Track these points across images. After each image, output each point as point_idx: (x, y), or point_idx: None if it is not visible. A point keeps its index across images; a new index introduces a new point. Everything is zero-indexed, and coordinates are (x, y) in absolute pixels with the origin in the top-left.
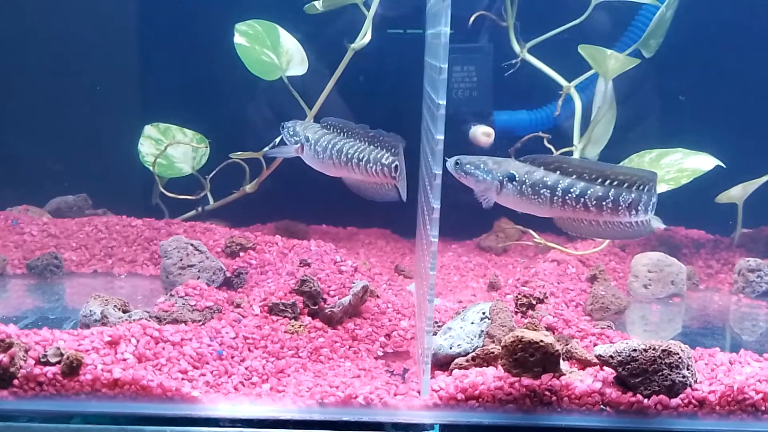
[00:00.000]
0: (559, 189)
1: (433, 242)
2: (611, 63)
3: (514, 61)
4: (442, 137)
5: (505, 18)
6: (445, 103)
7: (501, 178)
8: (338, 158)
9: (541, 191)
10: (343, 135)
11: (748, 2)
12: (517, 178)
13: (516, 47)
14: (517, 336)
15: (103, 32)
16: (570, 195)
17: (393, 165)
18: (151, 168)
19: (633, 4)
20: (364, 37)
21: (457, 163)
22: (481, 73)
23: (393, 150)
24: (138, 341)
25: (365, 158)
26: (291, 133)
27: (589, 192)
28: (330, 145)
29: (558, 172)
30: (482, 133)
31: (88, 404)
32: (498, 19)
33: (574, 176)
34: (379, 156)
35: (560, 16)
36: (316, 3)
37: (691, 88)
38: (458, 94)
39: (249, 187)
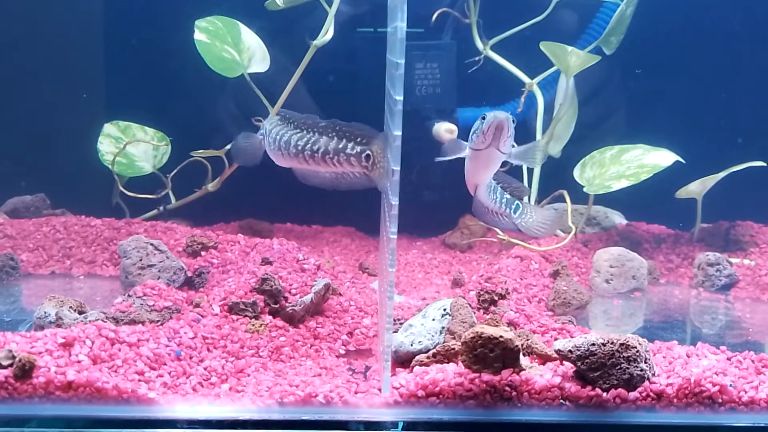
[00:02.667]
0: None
1: (391, 239)
2: (572, 60)
3: (477, 58)
4: (399, 133)
5: (468, 15)
6: (402, 98)
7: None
8: (287, 149)
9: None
10: (289, 125)
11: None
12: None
13: (479, 44)
14: (477, 332)
15: (61, 28)
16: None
17: (364, 154)
18: (110, 167)
19: (594, 1)
20: (327, 34)
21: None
22: (444, 70)
23: (360, 140)
24: (93, 342)
25: (321, 149)
26: (262, 130)
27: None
28: (278, 136)
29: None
30: (445, 130)
31: (42, 408)
32: (461, 16)
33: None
34: (341, 147)
35: (523, 13)
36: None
37: (651, 85)
38: (421, 91)
39: (211, 186)
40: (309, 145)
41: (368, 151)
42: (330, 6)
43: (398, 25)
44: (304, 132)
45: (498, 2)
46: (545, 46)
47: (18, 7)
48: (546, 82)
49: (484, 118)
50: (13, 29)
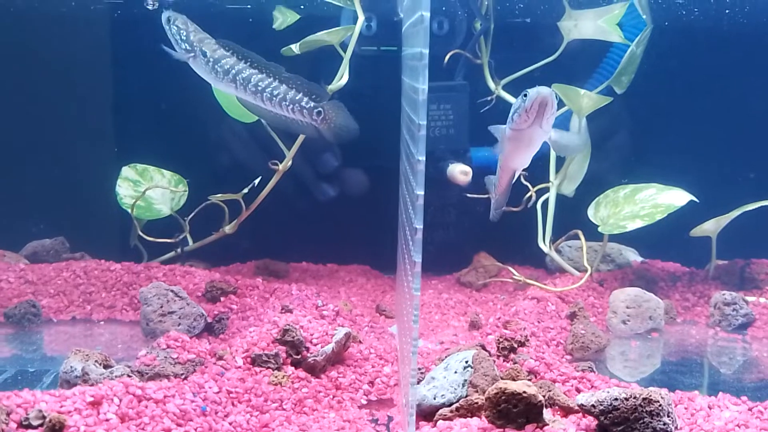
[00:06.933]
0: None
1: (415, 295)
2: (584, 101)
3: (489, 98)
4: (422, 192)
5: (480, 56)
6: (423, 159)
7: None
8: (243, 85)
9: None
10: (246, 63)
11: (718, 39)
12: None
13: (491, 84)
14: (501, 388)
15: (80, 73)
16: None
17: (315, 110)
18: (129, 211)
19: (605, 42)
20: (342, 79)
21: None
22: (457, 110)
23: (314, 96)
24: (121, 400)
25: (280, 95)
26: (182, 37)
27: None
28: (234, 71)
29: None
30: (460, 172)
31: None
32: (472, 57)
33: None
34: (297, 98)
35: (534, 54)
36: (293, 46)
37: (664, 124)
38: (435, 132)
39: (228, 228)
40: (270, 89)
41: (320, 108)
42: (345, 51)
43: (420, 87)
44: (266, 75)
45: (509, 43)
46: (558, 88)
47: (36, 50)
48: (558, 120)
49: (525, 96)
50: (33, 72)
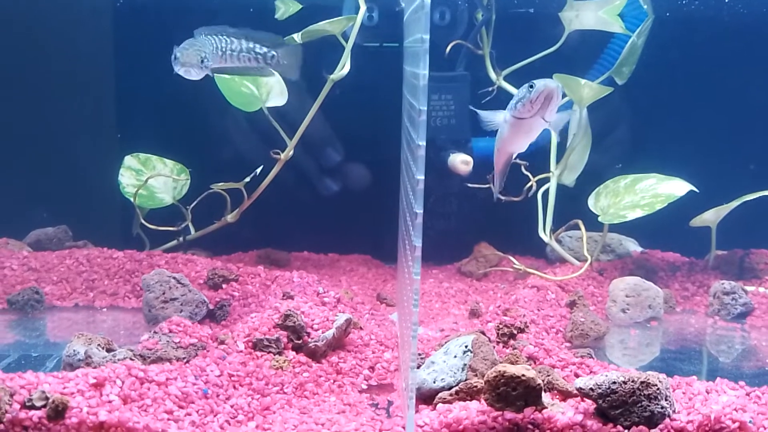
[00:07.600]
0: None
1: (415, 279)
2: (585, 91)
3: (490, 89)
4: (422, 177)
5: (481, 46)
6: (424, 143)
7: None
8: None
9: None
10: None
11: (719, 30)
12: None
13: (492, 75)
14: (500, 371)
15: (82, 62)
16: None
17: (269, 54)
18: (132, 200)
19: (606, 32)
20: (343, 68)
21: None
22: (459, 101)
23: (269, 44)
24: (123, 382)
25: (237, 49)
26: (206, 64)
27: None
28: (213, 48)
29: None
30: (461, 162)
31: None
32: (474, 47)
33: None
34: (252, 46)
35: (536, 44)
36: (295, 35)
37: (665, 114)
38: (436, 122)
39: (230, 217)
40: (231, 47)
41: (273, 52)
42: (346, 41)
43: (420, 72)
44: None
45: (511, 33)
46: (559, 78)
47: (39, 39)
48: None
49: (531, 87)
50: (36, 62)
